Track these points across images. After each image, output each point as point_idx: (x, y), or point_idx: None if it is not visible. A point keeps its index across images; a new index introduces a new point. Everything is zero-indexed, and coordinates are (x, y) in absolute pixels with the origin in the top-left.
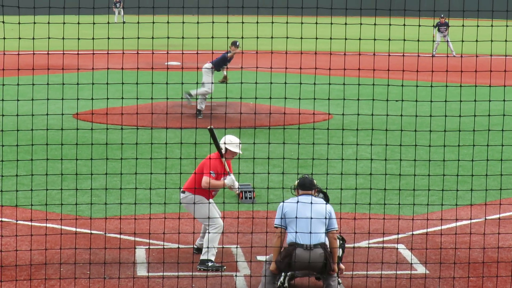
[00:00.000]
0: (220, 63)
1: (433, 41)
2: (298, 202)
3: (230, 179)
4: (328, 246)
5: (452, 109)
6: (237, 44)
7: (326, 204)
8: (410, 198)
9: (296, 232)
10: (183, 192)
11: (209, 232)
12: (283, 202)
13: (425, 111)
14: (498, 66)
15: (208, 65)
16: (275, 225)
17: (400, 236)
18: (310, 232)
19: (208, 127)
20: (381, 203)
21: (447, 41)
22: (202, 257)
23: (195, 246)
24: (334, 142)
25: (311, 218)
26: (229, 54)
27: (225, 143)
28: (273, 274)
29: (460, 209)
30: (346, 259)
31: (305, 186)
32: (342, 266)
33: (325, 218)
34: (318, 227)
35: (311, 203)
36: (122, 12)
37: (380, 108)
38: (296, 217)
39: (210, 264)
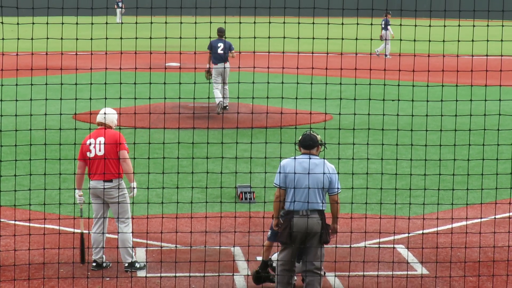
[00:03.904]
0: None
1: (385, 39)
2: (296, 163)
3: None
4: (325, 216)
5: (451, 109)
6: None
7: (326, 165)
8: (408, 198)
9: (293, 201)
10: (111, 180)
11: (123, 232)
12: (283, 159)
13: (423, 111)
14: (494, 66)
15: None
16: (275, 184)
17: (397, 236)
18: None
19: None
20: (378, 203)
21: (387, 39)
22: (128, 260)
23: (98, 262)
24: (333, 142)
25: (309, 187)
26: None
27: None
28: (287, 274)
29: (456, 209)
30: (345, 258)
31: (306, 144)
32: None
33: (322, 188)
34: (315, 193)
35: (309, 170)
36: (123, 12)
37: (379, 108)
38: (294, 187)
39: (138, 265)
